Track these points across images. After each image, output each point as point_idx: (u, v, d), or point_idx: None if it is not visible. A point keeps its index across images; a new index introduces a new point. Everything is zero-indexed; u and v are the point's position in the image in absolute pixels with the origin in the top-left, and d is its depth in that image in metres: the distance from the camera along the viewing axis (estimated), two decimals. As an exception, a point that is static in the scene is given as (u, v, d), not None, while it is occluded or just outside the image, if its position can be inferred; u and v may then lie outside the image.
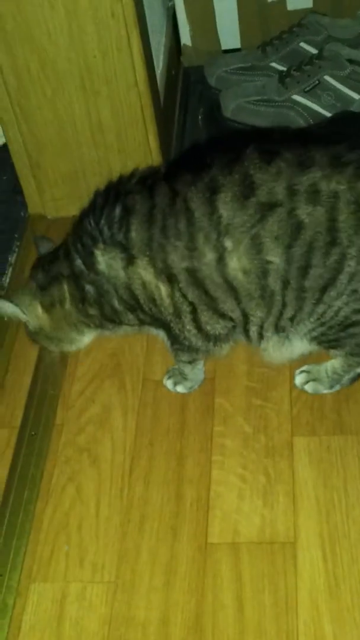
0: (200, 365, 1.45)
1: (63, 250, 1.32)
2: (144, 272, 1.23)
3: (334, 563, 1.21)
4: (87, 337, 1.40)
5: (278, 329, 1.27)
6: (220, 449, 1.38)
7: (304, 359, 1.39)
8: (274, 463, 1.35)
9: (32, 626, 1.21)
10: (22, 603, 1.23)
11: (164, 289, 1.24)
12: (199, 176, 1.18)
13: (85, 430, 1.45)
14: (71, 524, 1.32)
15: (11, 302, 1.34)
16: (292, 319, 1.25)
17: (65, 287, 1.31)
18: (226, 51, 2.15)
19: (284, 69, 1.95)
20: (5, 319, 1.37)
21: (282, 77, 1.91)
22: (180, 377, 1.46)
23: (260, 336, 1.29)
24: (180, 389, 1.47)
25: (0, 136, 1.88)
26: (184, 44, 2.17)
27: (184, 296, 1.24)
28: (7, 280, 1.73)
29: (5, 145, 1.82)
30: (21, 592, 1.25)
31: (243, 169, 1.16)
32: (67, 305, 1.33)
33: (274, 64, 1.98)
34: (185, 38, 2.16)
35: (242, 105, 1.93)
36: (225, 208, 1.16)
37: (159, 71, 1.88)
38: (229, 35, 2.14)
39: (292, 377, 1.45)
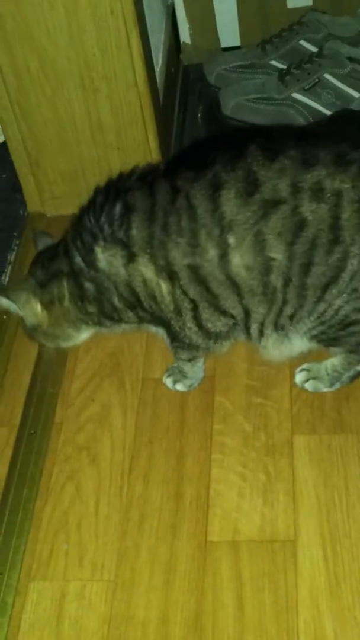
0: (200, 363, 1.45)
1: (62, 247, 1.32)
2: (145, 269, 1.23)
3: (335, 562, 1.21)
4: (84, 335, 1.40)
5: (277, 326, 1.27)
6: (220, 447, 1.38)
7: (304, 357, 1.39)
8: (274, 461, 1.34)
9: (31, 625, 1.20)
10: (21, 602, 1.23)
11: (164, 287, 1.24)
12: (202, 173, 1.18)
13: (84, 428, 1.45)
14: (70, 523, 1.31)
15: (7, 297, 1.34)
16: (291, 317, 1.25)
17: (65, 284, 1.31)
18: (226, 49, 2.15)
19: (284, 67, 1.94)
20: (5, 317, 1.37)
21: (281, 75, 1.91)
22: (180, 375, 1.46)
23: (261, 333, 1.29)
24: (179, 387, 1.47)
25: (0, 134, 1.87)
26: (183, 42, 2.17)
27: (185, 293, 1.23)
28: (7, 278, 1.73)
29: (4, 144, 1.82)
30: (20, 591, 1.24)
31: (246, 165, 1.16)
32: (66, 302, 1.33)
33: (273, 62, 1.98)
34: (185, 36, 2.16)
35: (242, 103, 1.92)
36: (229, 204, 1.16)
37: (158, 69, 1.88)
38: (229, 33, 2.14)
39: (292, 376, 1.45)
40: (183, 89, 2.13)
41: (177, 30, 2.15)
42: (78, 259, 1.28)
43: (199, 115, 2.05)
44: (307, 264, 1.18)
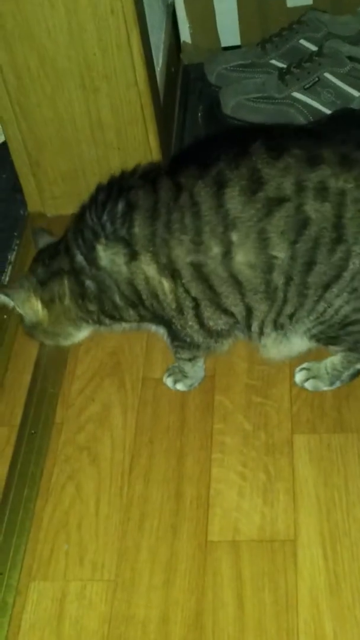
0: (200, 362, 1.45)
1: (63, 245, 1.32)
2: (147, 267, 1.23)
3: (335, 561, 1.21)
4: (83, 333, 1.40)
5: (277, 325, 1.27)
6: (220, 447, 1.38)
7: (303, 356, 1.39)
8: (274, 461, 1.34)
9: (32, 625, 1.21)
10: (21, 602, 1.23)
11: (167, 285, 1.24)
12: (206, 170, 1.18)
13: (85, 428, 1.45)
14: (71, 523, 1.31)
15: (7, 295, 1.34)
16: (291, 317, 1.25)
17: (66, 282, 1.31)
18: (226, 48, 2.15)
19: (284, 66, 1.94)
20: (5, 317, 1.37)
21: (282, 74, 1.90)
22: (180, 375, 1.46)
23: (261, 332, 1.29)
24: (180, 386, 1.47)
25: (0, 134, 1.87)
26: (183, 42, 2.17)
27: (187, 292, 1.23)
28: (7, 278, 1.73)
29: (4, 143, 1.82)
30: (21, 591, 1.24)
31: (251, 163, 1.16)
32: (67, 300, 1.33)
33: (273, 61, 1.98)
34: (185, 35, 2.16)
35: (242, 102, 1.92)
36: (233, 202, 1.16)
37: (158, 69, 1.87)
38: (229, 32, 2.14)
39: (292, 375, 1.45)
40: (183, 88, 2.13)
41: (178, 30, 2.15)
42: (79, 257, 1.28)
43: (200, 114, 2.05)
44: (310, 263, 1.18)
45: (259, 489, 1.31)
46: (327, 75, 1.86)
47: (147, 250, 1.22)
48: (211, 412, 1.43)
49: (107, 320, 1.34)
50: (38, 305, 1.35)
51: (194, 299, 1.24)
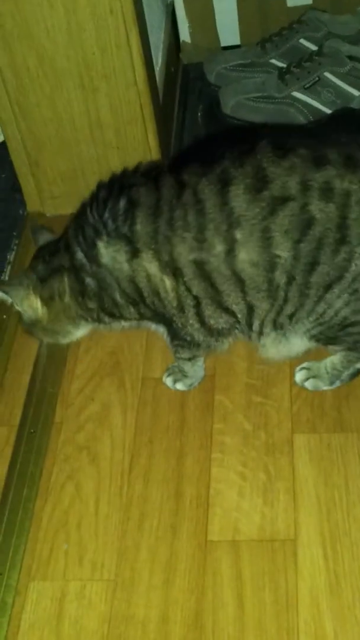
0: (200, 362, 1.45)
1: (64, 243, 1.31)
2: (149, 265, 1.23)
3: (335, 561, 1.21)
4: (81, 331, 1.40)
5: (276, 325, 1.27)
6: (220, 447, 1.38)
7: (303, 356, 1.39)
8: (274, 460, 1.34)
9: (31, 625, 1.20)
10: (21, 601, 1.23)
11: (168, 283, 1.23)
12: (210, 168, 1.18)
13: (84, 428, 1.44)
14: (70, 522, 1.31)
15: (5, 292, 1.34)
16: (291, 317, 1.25)
17: (66, 279, 1.31)
18: (225, 48, 2.15)
19: (284, 65, 1.94)
20: (5, 317, 1.37)
21: (281, 73, 1.90)
22: (180, 374, 1.46)
23: (261, 332, 1.28)
24: (179, 386, 1.46)
25: (-1, 134, 1.88)
26: (183, 41, 2.17)
27: (189, 290, 1.23)
28: (6, 278, 1.72)
29: (3, 143, 1.82)
30: (20, 591, 1.24)
31: (256, 162, 1.16)
32: (67, 298, 1.32)
33: (273, 61, 1.98)
34: (185, 35, 2.16)
35: (242, 102, 1.92)
36: (237, 200, 1.16)
37: (158, 68, 1.87)
38: (229, 32, 2.14)
39: (292, 374, 1.45)
40: (183, 87, 2.13)
41: (177, 29, 2.15)
42: (80, 254, 1.27)
43: (199, 114, 2.05)
44: (313, 263, 1.18)
45: (259, 489, 1.31)
46: (327, 74, 1.86)
47: (149, 248, 1.22)
48: (211, 412, 1.43)
49: (106, 319, 1.34)
50: (37, 302, 1.34)
51: (195, 297, 1.24)
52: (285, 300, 1.22)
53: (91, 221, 1.25)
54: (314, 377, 1.42)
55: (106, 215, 1.23)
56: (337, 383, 1.41)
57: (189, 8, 2.10)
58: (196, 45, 2.16)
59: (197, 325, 1.29)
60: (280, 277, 1.19)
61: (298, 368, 1.44)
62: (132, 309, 1.30)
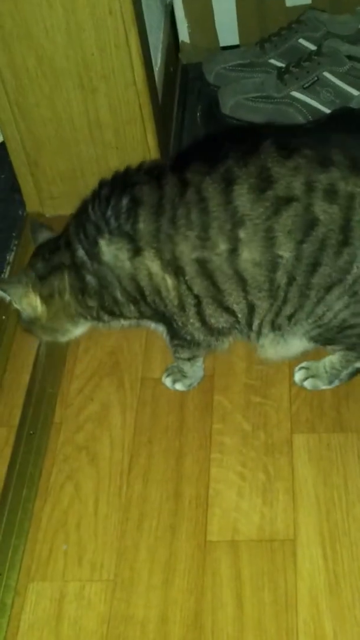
0: (199, 362, 1.45)
1: (64, 240, 1.31)
2: (151, 263, 1.22)
3: (334, 561, 1.21)
4: (80, 329, 1.40)
5: (274, 326, 1.27)
6: (219, 447, 1.38)
7: (302, 356, 1.39)
8: (274, 460, 1.34)
9: (30, 625, 1.20)
10: (20, 602, 1.23)
11: (170, 281, 1.23)
12: (213, 167, 1.17)
13: (83, 428, 1.44)
14: (70, 523, 1.31)
15: (4, 290, 1.34)
16: (289, 318, 1.24)
17: (66, 277, 1.30)
18: (224, 48, 2.15)
19: (283, 65, 1.94)
20: (4, 317, 1.37)
21: (280, 73, 1.90)
22: (179, 374, 1.46)
23: (259, 332, 1.28)
24: (179, 386, 1.46)
25: (-2, 134, 1.88)
26: (182, 41, 2.17)
27: (190, 289, 1.23)
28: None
29: (3, 144, 1.82)
30: (20, 591, 1.24)
31: (260, 162, 1.16)
32: (67, 296, 1.32)
33: (272, 61, 1.98)
34: (184, 35, 2.16)
35: (241, 102, 1.92)
36: (241, 199, 1.16)
37: (157, 68, 1.87)
38: (228, 32, 2.13)
39: (291, 374, 1.45)
40: (182, 88, 2.13)
41: (176, 29, 2.15)
42: (81, 252, 1.27)
43: (198, 114, 2.05)
44: (314, 264, 1.17)
45: (258, 489, 1.31)
46: (326, 74, 1.86)
47: (151, 246, 1.21)
48: (210, 412, 1.43)
49: (105, 317, 1.34)
50: (37, 300, 1.34)
51: (196, 297, 1.24)
52: (285, 301, 1.22)
53: (93, 219, 1.24)
54: (313, 376, 1.42)
55: (109, 213, 1.23)
56: (336, 382, 1.41)
57: (188, 8, 2.10)
58: (195, 46, 2.16)
59: (197, 325, 1.29)
60: (281, 278, 1.19)
61: (297, 368, 1.44)
62: (132, 308, 1.30)
